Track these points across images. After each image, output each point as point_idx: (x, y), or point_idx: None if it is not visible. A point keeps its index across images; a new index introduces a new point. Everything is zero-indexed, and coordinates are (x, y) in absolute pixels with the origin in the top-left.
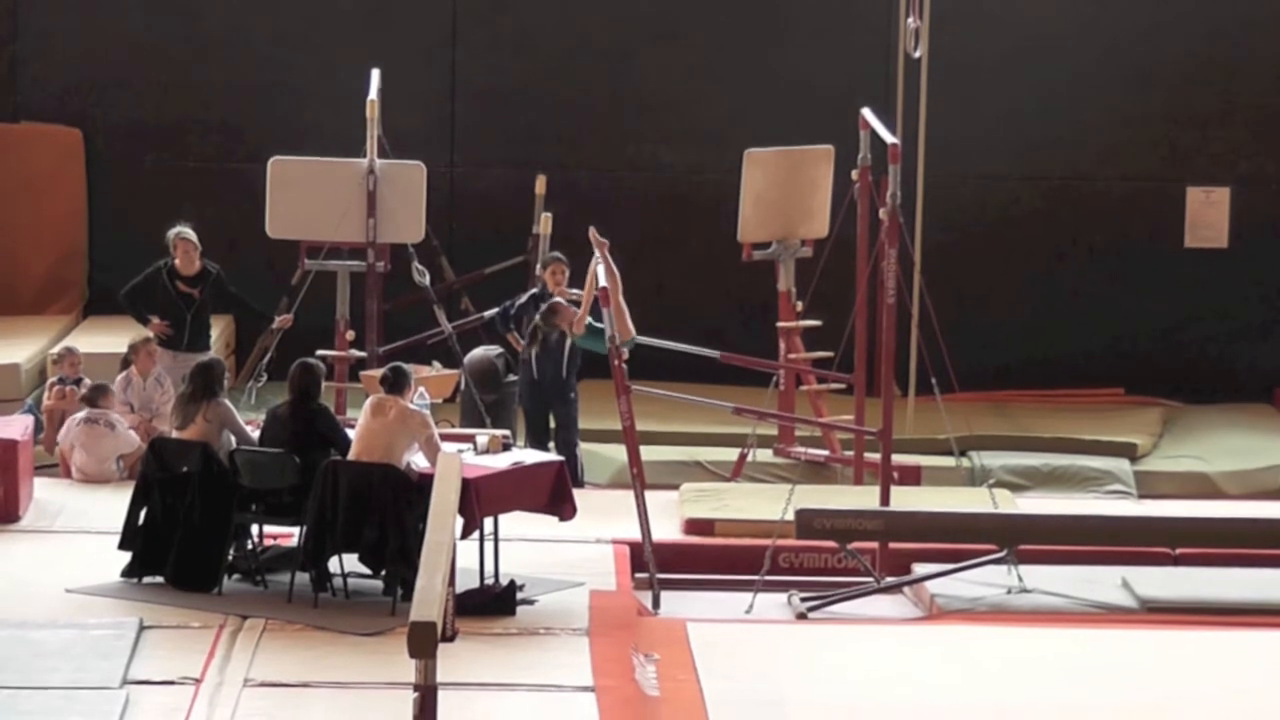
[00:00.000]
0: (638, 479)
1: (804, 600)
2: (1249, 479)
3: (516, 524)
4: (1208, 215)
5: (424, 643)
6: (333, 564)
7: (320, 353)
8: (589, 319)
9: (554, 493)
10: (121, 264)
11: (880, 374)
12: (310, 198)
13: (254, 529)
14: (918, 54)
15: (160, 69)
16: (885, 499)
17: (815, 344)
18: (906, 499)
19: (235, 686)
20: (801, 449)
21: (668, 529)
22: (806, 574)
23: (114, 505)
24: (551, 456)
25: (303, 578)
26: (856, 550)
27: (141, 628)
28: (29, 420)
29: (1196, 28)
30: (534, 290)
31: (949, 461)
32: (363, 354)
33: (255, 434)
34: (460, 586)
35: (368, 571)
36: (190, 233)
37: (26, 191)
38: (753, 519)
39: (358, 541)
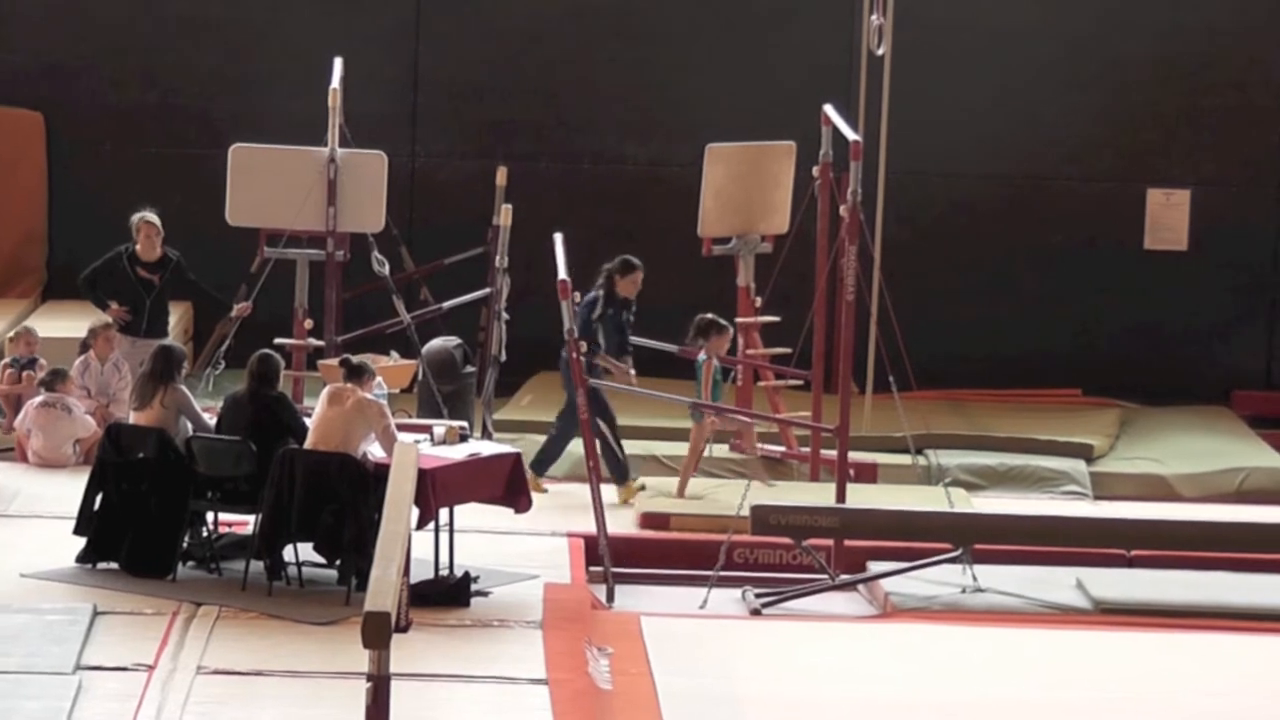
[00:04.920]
0: (593, 472)
1: (758, 596)
2: (1205, 481)
3: (472, 515)
4: (1168, 217)
5: (378, 633)
6: (287, 552)
7: (278, 341)
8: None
9: (510, 484)
10: (81, 248)
11: (838, 371)
12: (271, 186)
13: (209, 516)
14: (880, 51)
15: (123, 54)
16: (841, 496)
17: (774, 340)
18: (862, 496)
19: (188, 674)
20: (760, 445)
21: (623, 523)
22: (761, 570)
23: (70, 490)
24: (508, 448)
25: (257, 566)
26: (812, 547)
27: (95, 613)
28: None
29: (1158, 29)
30: (593, 295)
31: (905, 459)
32: (321, 343)
33: (212, 421)
34: (415, 577)
35: (322, 560)
36: (154, 216)
37: None
38: (708, 514)
39: (313, 530)
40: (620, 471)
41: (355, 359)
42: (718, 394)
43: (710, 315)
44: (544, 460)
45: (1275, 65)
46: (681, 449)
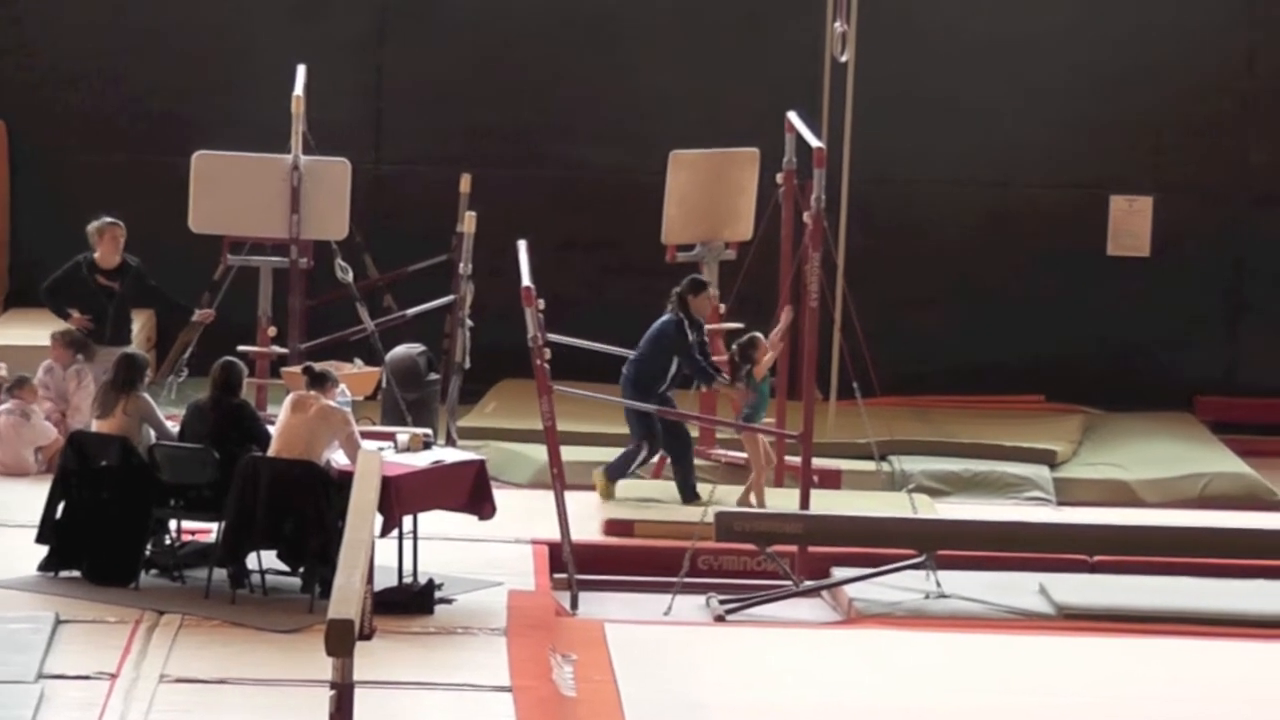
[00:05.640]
0: (558, 479)
1: (723, 602)
2: (1168, 487)
3: (436, 523)
4: (1131, 223)
5: (341, 640)
6: (251, 560)
7: (242, 348)
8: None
9: (474, 492)
10: (45, 256)
11: (802, 377)
12: (234, 193)
13: (172, 524)
14: (844, 58)
15: (86, 61)
16: (805, 502)
17: None
18: (826, 503)
19: (151, 682)
20: (722, 451)
21: (587, 530)
22: (725, 576)
23: (32, 498)
24: (472, 455)
25: (220, 574)
26: (776, 553)
27: (58, 622)
28: None
29: (1121, 37)
30: (671, 317)
31: (869, 465)
32: (284, 350)
33: (175, 429)
34: (379, 585)
35: (286, 568)
36: (117, 221)
37: None
38: (672, 520)
39: (277, 538)
40: (687, 493)
41: (318, 366)
42: (764, 406)
43: (749, 334)
44: (614, 469)
45: (1237, 72)
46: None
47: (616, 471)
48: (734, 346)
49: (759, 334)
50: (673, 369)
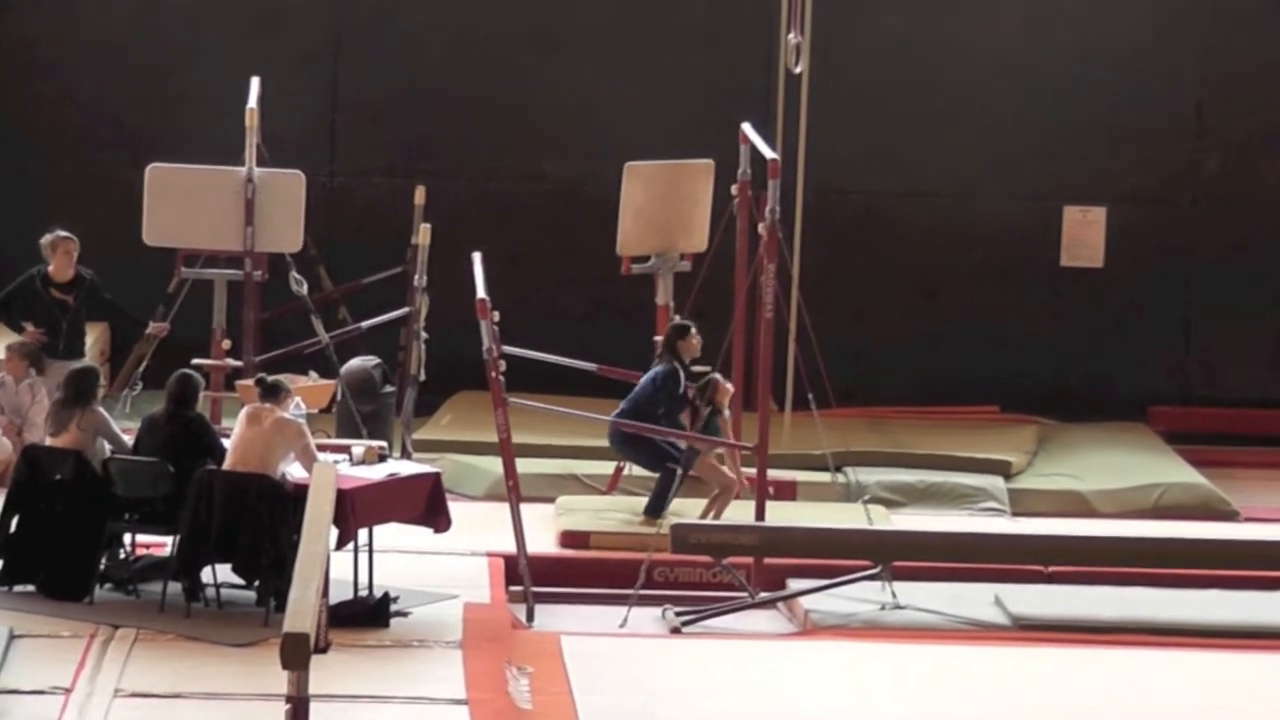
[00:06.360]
0: (513, 491)
1: (678, 614)
2: (1122, 497)
3: (391, 535)
4: (1084, 234)
5: (297, 654)
6: (206, 574)
7: (196, 361)
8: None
9: (429, 504)
10: None
11: (757, 388)
12: (188, 205)
13: (127, 538)
14: (798, 69)
15: (38, 73)
16: (760, 514)
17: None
18: (782, 514)
19: (106, 696)
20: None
21: (543, 542)
22: (681, 588)
23: None
24: (428, 468)
25: (175, 587)
26: (731, 565)
27: (11, 636)
28: None
29: (1075, 48)
30: (665, 367)
31: (824, 477)
32: (239, 363)
33: (131, 442)
34: (334, 598)
35: (241, 582)
36: (70, 235)
37: None
38: (628, 532)
39: (232, 551)
40: (655, 506)
41: (269, 378)
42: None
43: (707, 376)
44: (654, 506)
45: (1189, 83)
46: (601, 467)
47: (657, 508)
48: (694, 388)
49: (718, 375)
50: (658, 418)
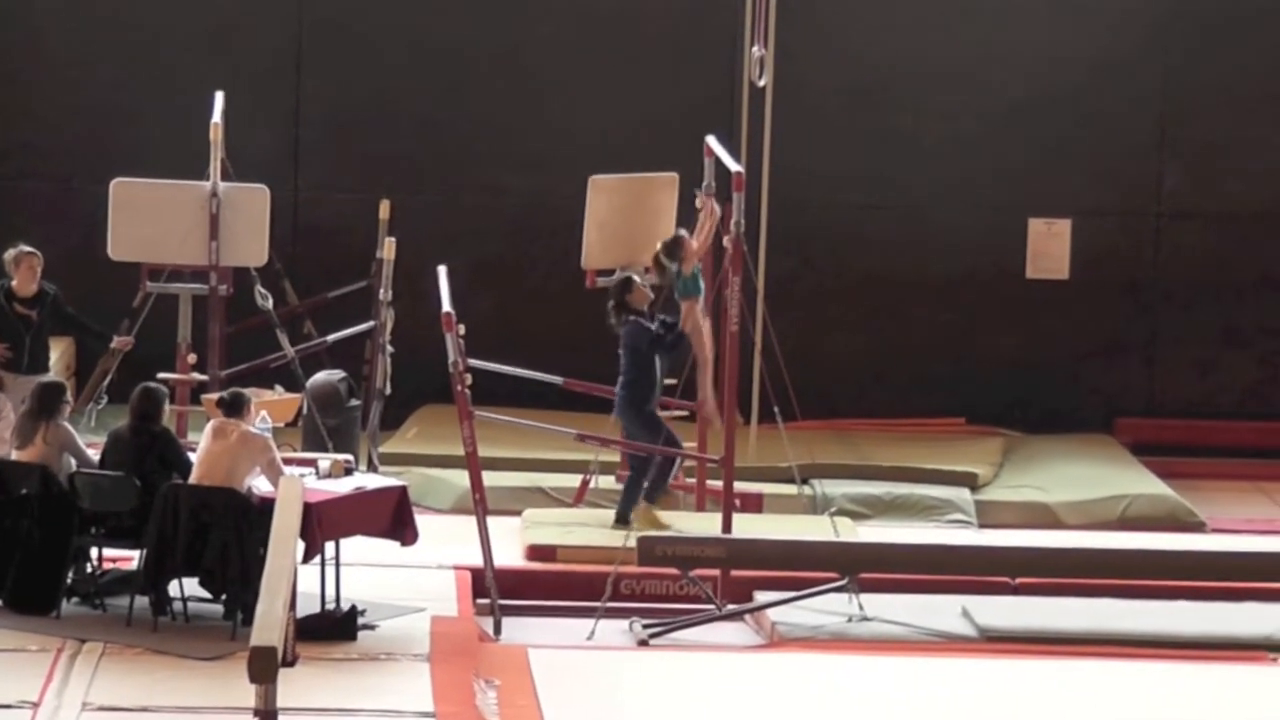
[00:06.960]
0: (480, 504)
1: (645, 627)
2: (1088, 509)
3: (358, 549)
4: (1049, 246)
5: (264, 667)
6: (173, 588)
7: (162, 375)
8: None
9: (396, 518)
10: None
11: (723, 401)
12: (153, 220)
13: (93, 552)
14: (762, 82)
15: (1, 88)
16: (727, 526)
17: None
18: (748, 526)
19: (73, 710)
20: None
21: (510, 555)
22: (648, 601)
23: None
24: (394, 481)
25: (142, 601)
26: (698, 577)
27: None
28: None
29: (1039, 59)
30: (629, 326)
31: (791, 489)
32: (204, 377)
33: (96, 456)
34: (301, 611)
35: (208, 595)
36: (33, 250)
37: None
38: (595, 545)
39: (198, 565)
40: (626, 504)
41: (229, 393)
42: (700, 290)
43: (675, 233)
44: (652, 490)
45: (1152, 95)
46: (567, 480)
47: (655, 491)
48: (659, 247)
49: (683, 231)
50: (659, 377)
